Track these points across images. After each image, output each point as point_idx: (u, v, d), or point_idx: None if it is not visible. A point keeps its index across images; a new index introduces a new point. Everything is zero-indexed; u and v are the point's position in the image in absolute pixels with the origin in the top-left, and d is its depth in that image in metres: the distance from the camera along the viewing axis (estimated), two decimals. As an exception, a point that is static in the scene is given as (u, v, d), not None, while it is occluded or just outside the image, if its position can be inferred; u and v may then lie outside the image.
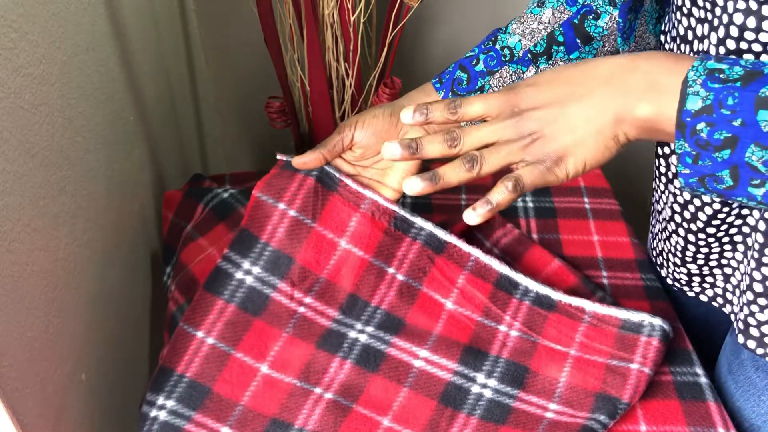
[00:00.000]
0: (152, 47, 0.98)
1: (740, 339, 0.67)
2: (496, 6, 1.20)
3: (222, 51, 1.19)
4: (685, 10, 0.61)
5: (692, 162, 0.49)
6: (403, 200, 0.89)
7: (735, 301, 0.71)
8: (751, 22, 0.53)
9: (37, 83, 0.58)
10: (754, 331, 0.65)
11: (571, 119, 0.53)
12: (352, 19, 0.88)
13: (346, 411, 0.65)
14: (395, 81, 1.01)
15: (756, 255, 0.62)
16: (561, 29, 0.71)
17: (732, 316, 0.71)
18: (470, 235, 0.82)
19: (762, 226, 0.61)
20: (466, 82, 0.73)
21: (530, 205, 0.90)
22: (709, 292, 0.74)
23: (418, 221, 0.73)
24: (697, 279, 0.74)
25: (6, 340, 0.52)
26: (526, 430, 0.64)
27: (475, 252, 0.72)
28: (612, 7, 0.70)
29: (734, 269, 0.70)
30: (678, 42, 0.64)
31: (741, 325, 0.67)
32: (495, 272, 0.72)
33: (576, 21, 0.71)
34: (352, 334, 0.69)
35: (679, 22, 0.63)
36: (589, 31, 0.71)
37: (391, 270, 0.72)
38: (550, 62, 0.72)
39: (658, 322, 0.69)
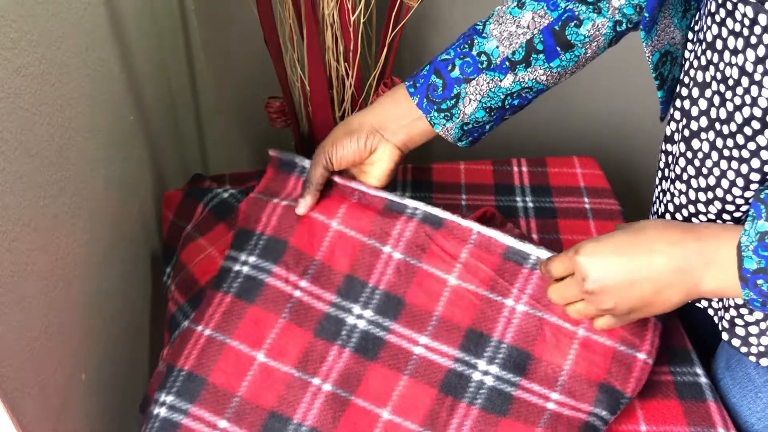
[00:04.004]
0: (152, 47, 0.98)
1: (725, 336, 0.68)
2: (496, 6, 1.19)
3: (222, 51, 1.19)
4: (717, 18, 0.60)
5: (761, 306, 0.57)
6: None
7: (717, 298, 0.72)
8: None
9: (37, 83, 0.58)
10: (740, 331, 0.66)
11: (641, 292, 0.61)
12: (352, 19, 0.88)
13: (345, 404, 0.65)
14: (395, 81, 1.01)
15: None
16: (541, 36, 0.68)
17: (715, 315, 0.72)
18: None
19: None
20: (441, 89, 0.71)
21: (530, 205, 0.90)
22: None
23: (411, 202, 0.73)
24: None
25: (6, 340, 0.52)
26: (528, 423, 0.64)
27: (476, 226, 0.72)
28: (596, 14, 0.68)
29: None
30: (704, 47, 0.63)
31: (726, 324, 0.68)
32: (501, 245, 0.71)
33: (557, 27, 0.68)
34: (351, 319, 0.69)
35: (709, 28, 0.61)
36: (570, 39, 0.68)
37: (386, 249, 0.71)
38: (529, 69, 0.70)
39: None
